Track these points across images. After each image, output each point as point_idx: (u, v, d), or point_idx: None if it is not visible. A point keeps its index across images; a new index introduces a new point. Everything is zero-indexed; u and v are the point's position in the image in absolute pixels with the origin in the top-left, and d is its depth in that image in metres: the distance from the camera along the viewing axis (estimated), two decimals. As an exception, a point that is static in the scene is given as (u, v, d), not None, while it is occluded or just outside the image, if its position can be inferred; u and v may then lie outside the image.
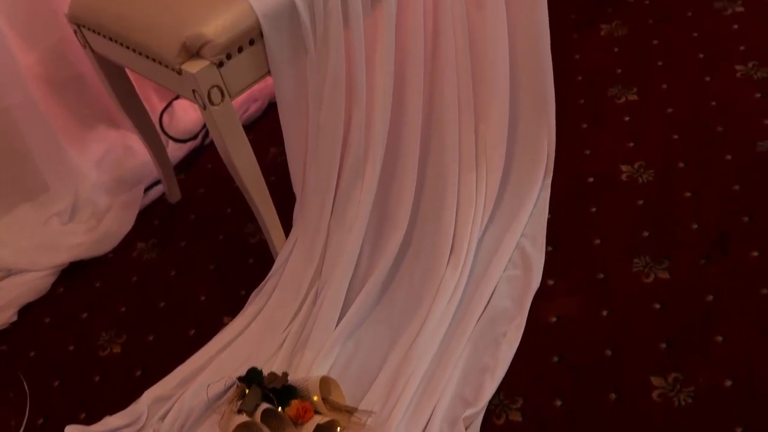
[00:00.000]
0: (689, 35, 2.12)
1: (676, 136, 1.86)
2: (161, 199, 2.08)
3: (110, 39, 1.61)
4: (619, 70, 2.08)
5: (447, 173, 1.72)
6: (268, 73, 1.52)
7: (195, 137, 2.15)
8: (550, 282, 1.63)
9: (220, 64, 1.45)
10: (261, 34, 1.47)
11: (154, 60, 1.52)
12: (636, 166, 1.82)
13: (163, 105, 2.20)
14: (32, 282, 1.91)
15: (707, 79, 1.98)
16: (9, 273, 1.93)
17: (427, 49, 1.69)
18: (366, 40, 1.58)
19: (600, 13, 2.27)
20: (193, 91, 1.46)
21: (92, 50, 1.72)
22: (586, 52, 2.17)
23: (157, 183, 2.09)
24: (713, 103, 1.91)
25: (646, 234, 1.67)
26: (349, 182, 1.65)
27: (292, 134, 1.62)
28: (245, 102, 2.20)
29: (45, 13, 1.93)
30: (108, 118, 2.15)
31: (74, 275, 1.95)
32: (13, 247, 1.96)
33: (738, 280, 1.54)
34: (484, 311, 1.59)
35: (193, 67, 1.43)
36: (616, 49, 2.15)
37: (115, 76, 1.79)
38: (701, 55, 2.05)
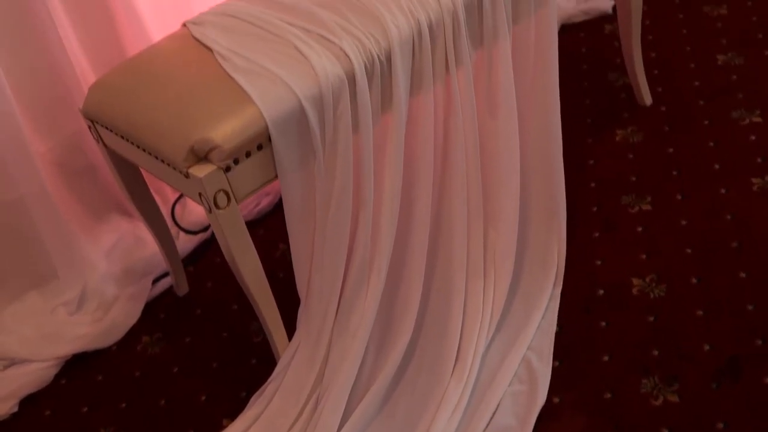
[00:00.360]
0: (705, 144, 2.09)
1: (689, 250, 1.83)
2: (169, 291, 2.07)
3: (122, 137, 1.62)
4: (634, 178, 2.05)
5: (454, 281, 1.70)
6: (276, 177, 1.52)
7: (205, 230, 2.15)
8: (556, 399, 1.59)
9: (227, 169, 1.45)
10: (269, 139, 1.46)
11: (162, 161, 1.52)
12: (647, 279, 1.78)
13: (176, 196, 2.20)
14: (35, 372, 1.89)
15: (723, 191, 1.95)
16: (12, 362, 1.92)
17: (437, 156, 1.68)
18: (375, 146, 1.57)
19: (616, 118, 2.25)
20: (200, 194, 1.46)
21: (105, 145, 1.73)
22: (601, 158, 2.13)
23: (165, 275, 2.08)
24: (728, 217, 1.88)
25: (655, 353, 1.63)
26: (353, 289, 1.63)
27: (299, 238, 1.60)
28: (257, 196, 2.19)
29: (63, 105, 1.96)
30: (120, 208, 2.15)
31: (77, 366, 1.92)
32: (18, 336, 1.95)
33: (750, 407, 1.49)
34: (486, 428, 1.55)
35: (200, 171, 1.43)
36: (630, 156, 2.11)
37: (127, 170, 1.80)
38: (717, 166, 2.02)
